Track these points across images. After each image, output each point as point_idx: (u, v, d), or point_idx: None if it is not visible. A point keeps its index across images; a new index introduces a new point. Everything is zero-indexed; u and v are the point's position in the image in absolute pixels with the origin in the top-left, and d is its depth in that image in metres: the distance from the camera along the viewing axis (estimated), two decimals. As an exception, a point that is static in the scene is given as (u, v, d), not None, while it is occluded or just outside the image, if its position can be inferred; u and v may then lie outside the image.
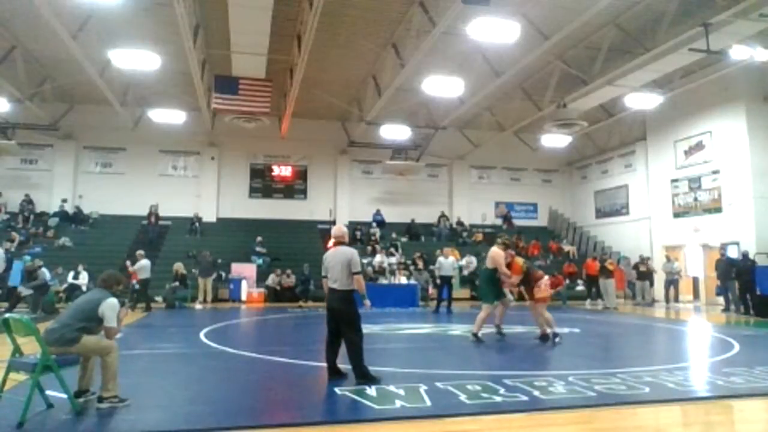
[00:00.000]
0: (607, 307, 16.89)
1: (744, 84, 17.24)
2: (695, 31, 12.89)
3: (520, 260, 9.26)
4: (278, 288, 18.08)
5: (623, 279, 19.75)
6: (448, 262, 15.43)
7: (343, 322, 6.04)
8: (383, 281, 18.25)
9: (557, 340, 8.94)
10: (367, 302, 6.31)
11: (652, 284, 18.47)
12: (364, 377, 5.89)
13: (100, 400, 4.78)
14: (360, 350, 5.99)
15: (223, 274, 18.38)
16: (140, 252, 15.65)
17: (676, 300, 17.49)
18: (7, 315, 4.98)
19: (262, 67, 15.42)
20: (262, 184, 23.62)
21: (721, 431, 4.87)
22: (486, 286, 9.14)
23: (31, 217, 20.47)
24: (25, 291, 14.00)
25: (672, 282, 17.58)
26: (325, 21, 13.07)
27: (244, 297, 17.77)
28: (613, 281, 17.39)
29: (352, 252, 6.13)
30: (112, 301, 4.91)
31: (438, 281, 15.66)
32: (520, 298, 19.46)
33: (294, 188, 23.88)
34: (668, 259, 18.27)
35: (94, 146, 22.09)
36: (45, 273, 14.41)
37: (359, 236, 22.15)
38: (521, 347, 8.90)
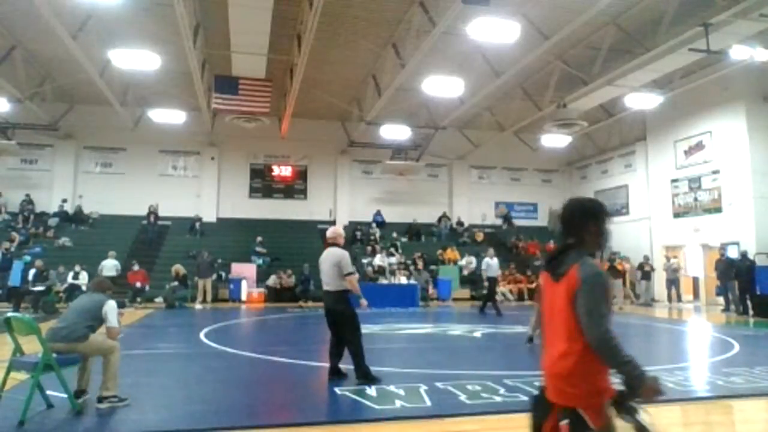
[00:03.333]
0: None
1: (744, 84, 17.22)
2: (695, 31, 12.88)
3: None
4: (278, 288, 18.08)
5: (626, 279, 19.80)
6: (494, 262, 14.95)
7: (340, 322, 6.07)
8: (383, 281, 18.24)
9: None
10: (363, 301, 6.25)
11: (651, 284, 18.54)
12: (365, 377, 5.90)
13: (100, 399, 4.80)
14: (359, 349, 5.99)
15: (223, 274, 18.38)
16: (111, 252, 16.72)
17: (679, 299, 17.47)
18: (9, 314, 5.03)
19: (262, 67, 15.41)
20: (262, 184, 23.60)
21: (721, 431, 4.87)
22: None
23: (31, 217, 20.46)
24: (38, 287, 14.33)
25: (673, 282, 17.58)
26: (325, 21, 13.06)
27: (244, 297, 17.76)
28: (620, 281, 17.42)
29: (341, 254, 6.13)
30: (113, 303, 5.11)
31: (486, 282, 15.01)
32: (520, 298, 19.65)
33: (294, 188, 23.86)
34: (668, 258, 18.27)
35: (94, 146, 22.07)
36: (52, 273, 14.80)
37: (359, 236, 22.14)
38: (521, 347, 8.90)
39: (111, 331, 5.03)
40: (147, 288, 16.70)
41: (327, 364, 6.21)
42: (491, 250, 15.77)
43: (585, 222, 2.32)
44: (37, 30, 14.53)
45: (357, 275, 6.32)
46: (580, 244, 2.30)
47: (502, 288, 19.82)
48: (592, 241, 2.32)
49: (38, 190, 21.27)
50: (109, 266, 16.03)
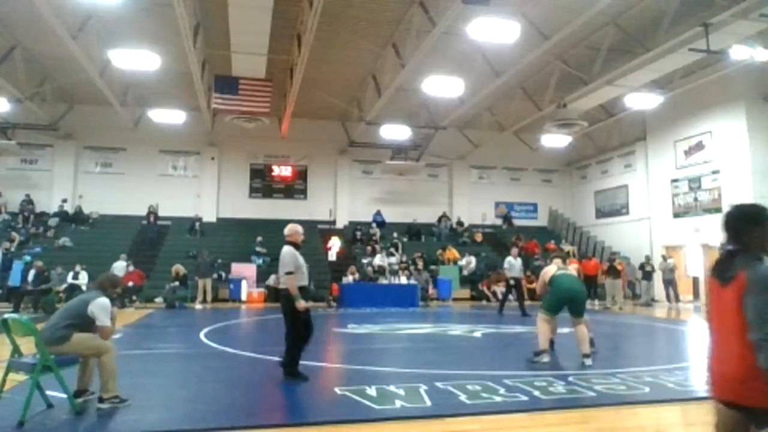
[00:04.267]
0: (607, 306, 16.89)
1: (744, 84, 17.21)
2: (695, 31, 12.88)
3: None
4: (278, 288, 18.05)
5: (625, 279, 19.78)
6: (518, 263, 14.75)
7: (285, 318, 6.13)
8: (383, 281, 18.23)
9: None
10: (300, 303, 6.03)
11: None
12: (289, 375, 6.01)
13: (101, 400, 4.77)
14: (291, 351, 6.04)
15: (223, 274, 18.37)
16: (123, 255, 16.91)
17: (677, 299, 17.47)
18: (6, 315, 4.96)
19: (262, 67, 15.40)
20: (262, 184, 23.59)
21: (721, 431, 4.86)
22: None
23: (31, 217, 20.45)
24: (38, 287, 14.44)
25: (670, 282, 17.59)
26: (325, 21, 13.06)
27: (244, 297, 17.75)
28: (620, 282, 17.38)
29: (285, 252, 6.19)
30: (102, 300, 4.84)
31: (512, 282, 14.61)
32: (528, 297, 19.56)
33: (294, 188, 23.86)
34: (664, 258, 18.30)
35: (94, 146, 22.07)
36: (53, 273, 14.78)
37: (359, 236, 22.13)
38: (521, 347, 8.89)
39: (101, 330, 4.79)
40: (141, 288, 16.64)
41: (326, 365, 6.23)
42: (515, 250, 15.26)
43: (748, 228, 2.38)
44: (37, 30, 14.54)
45: (297, 276, 6.14)
46: (746, 249, 2.36)
47: (501, 288, 19.77)
48: (757, 246, 2.37)
49: (38, 190, 21.28)
50: (119, 268, 15.89)
